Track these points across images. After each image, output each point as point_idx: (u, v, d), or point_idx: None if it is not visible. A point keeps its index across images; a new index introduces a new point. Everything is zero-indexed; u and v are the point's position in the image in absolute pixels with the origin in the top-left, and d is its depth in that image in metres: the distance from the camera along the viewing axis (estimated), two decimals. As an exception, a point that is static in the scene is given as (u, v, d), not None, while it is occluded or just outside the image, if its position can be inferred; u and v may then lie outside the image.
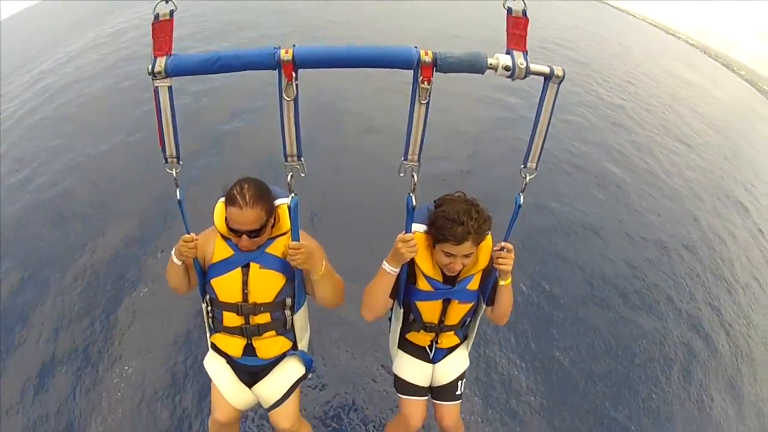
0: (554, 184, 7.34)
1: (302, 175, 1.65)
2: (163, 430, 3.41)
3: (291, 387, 2.28)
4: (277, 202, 2.02)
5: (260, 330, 2.12)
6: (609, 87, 13.86)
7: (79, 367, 3.84)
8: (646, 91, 15.00)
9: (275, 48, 1.47)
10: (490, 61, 1.50)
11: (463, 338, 2.40)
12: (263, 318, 2.09)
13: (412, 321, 2.21)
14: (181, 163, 1.73)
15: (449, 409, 2.43)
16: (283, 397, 2.26)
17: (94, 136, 7.62)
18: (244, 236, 1.90)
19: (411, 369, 2.36)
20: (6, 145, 7.87)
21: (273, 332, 2.16)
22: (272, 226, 2.00)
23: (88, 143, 7.38)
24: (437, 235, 1.87)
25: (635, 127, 11.13)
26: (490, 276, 2.06)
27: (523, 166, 1.71)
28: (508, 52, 1.52)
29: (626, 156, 9.38)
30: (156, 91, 1.57)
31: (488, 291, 2.10)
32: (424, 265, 2.01)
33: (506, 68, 1.51)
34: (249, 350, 2.18)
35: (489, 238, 2.00)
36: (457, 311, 2.14)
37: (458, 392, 2.42)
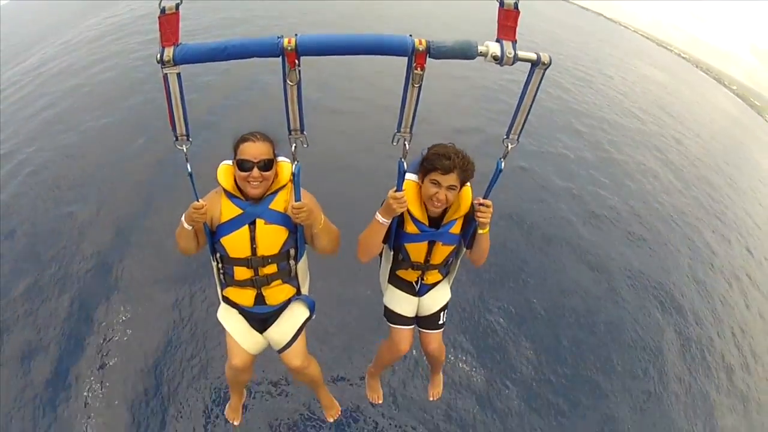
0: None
1: (305, 146, 1.83)
2: (186, 376, 3.81)
3: (299, 329, 2.50)
4: (277, 159, 2.18)
5: (268, 279, 2.32)
6: (603, 96, 14.18)
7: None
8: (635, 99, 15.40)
9: (279, 37, 1.58)
10: (480, 48, 1.61)
11: (446, 274, 2.65)
12: (271, 269, 2.29)
13: (401, 260, 2.45)
14: (190, 140, 1.84)
15: (433, 336, 2.75)
16: (292, 338, 2.48)
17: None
18: (255, 169, 2.06)
19: (400, 301, 2.63)
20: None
21: (279, 281, 2.36)
22: (275, 174, 2.17)
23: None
24: (428, 166, 2.13)
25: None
26: (470, 223, 2.30)
27: (506, 136, 1.92)
28: (498, 41, 1.63)
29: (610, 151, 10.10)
30: (165, 77, 1.67)
31: (468, 236, 2.35)
32: (415, 209, 2.24)
33: (495, 56, 1.61)
34: (259, 299, 2.38)
35: (469, 188, 2.26)
36: (441, 252, 2.39)
37: (441, 321, 2.72)
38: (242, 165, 2.07)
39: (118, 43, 12.12)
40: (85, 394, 3.80)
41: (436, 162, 2.09)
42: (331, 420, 3.11)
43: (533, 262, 6.10)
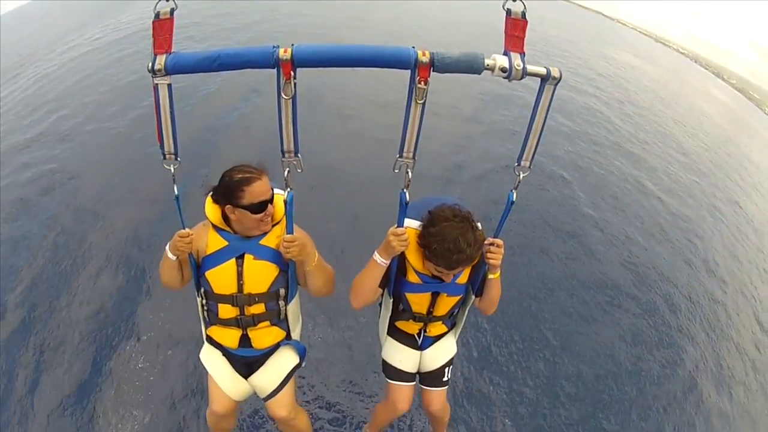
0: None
1: (299, 170, 1.69)
2: (163, 423, 3.46)
3: (286, 376, 2.33)
4: None
5: (255, 320, 2.16)
6: (602, 97, 14.09)
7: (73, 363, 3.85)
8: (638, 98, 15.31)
9: (274, 47, 1.48)
10: (487, 62, 1.51)
11: (451, 326, 2.45)
12: (258, 308, 2.13)
13: (401, 310, 2.26)
14: (179, 159, 1.74)
15: (436, 395, 2.51)
16: (279, 386, 2.32)
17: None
18: (269, 206, 1.96)
19: (399, 355, 2.43)
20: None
21: (267, 322, 2.20)
22: None
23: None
24: (430, 257, 1.90)
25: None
26: (479, 269, 2.10)
27: (516, 164, 1.75)
28: (505, 53, 1.54)
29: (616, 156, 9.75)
30: (156, 88, 1.59)
31: (477, 283, 2.15)
32: (414, 260, 2.05)
33: (503, 69, 1.52)
34: (244, 341, 2.22)
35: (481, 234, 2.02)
36: (446, 303, 2.19)
37: (445, 378, 2.49)
38: (258, 207, 1.92)
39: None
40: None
41: (441, 261, 1.86)
42: None
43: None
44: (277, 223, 2.07)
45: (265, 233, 2.06)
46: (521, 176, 1.76)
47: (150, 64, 1.56)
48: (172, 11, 1.55)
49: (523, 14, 1.51)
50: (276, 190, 2.06)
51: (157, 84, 1.58)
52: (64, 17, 18.63)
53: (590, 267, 6.02)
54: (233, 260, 2.04)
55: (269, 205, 1.95)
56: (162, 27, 1.55)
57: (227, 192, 1.92)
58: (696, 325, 5.72)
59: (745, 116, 22.83)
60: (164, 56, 1.55)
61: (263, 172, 1.95)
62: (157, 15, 1.53)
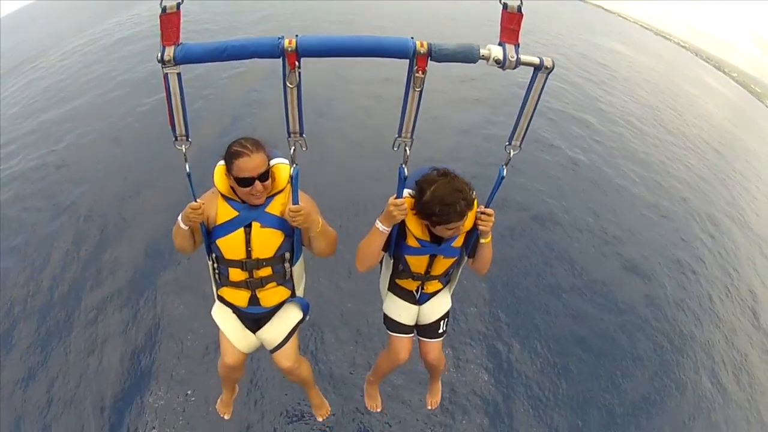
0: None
1: (304, 149, 1.82)
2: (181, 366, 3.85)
3: (291, 330, 2.50)
4: (273, 161, 2.14)
5: (263, 282, 2.31)
6: (603, 86, 14.13)
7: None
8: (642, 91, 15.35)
9: (279, 38, 1.56)
10: (482, 51, 1.59)
11: (446, 283, 2.62)
12: (265, 271, 2.28)
13: (401, 270, 2.41)
14: (190, 140, 1.84)
15: (433, 346, 2.71)
16: (284, 340, 2.49)
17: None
18: (257, 182, 2.02)
19: (399, 309, 2.60)
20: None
21: (274, 283, 2.36)
22: (272, 180, 2.12)
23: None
24: (438, 220, 2.01)
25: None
26: (472, 234, 2.24)
27: (508, 143, 1.89)
28: (500, 44, 1.61)
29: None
30: (166, 77, 1.66)
31: (470, 246, 2.29)
32: (413, 227, 2.19)
33: (497, 60, 1.60)
34: (253, 300, 2.38)
35: (475, 202, 2.13)
36: (442, 264, 2.35)
37: (441, 330, 2.68)
38: (242, 182, 2.02)
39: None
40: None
41: (441, 218, 1.97)
42: (321, 419, 3.15)
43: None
44: (281, 191, 2.16)
45: (271, 199, 2.15)
46: (512, 153, 1.90)
47: (159, 55, 1.63)
48: (178, 5, 1.61)
49: (519, 8, 1.58)
50: (280, 160, 2.16)
51: (167, 73, 1.65)
52: (69, 17, 18.62)
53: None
54: (242, 229, 2.16)
55: (256, 181, 2.02)
56: (170, 20, 1.61)
57: (225, 161, 2.05)
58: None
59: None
60: (173, 47, 1.62)
61: (257, 150, 2.00)
62: (164, 9, 1.59)
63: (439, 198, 1.96)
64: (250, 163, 1.98)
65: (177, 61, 1.63)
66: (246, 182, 2.02)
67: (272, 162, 2.13)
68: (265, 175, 2.05)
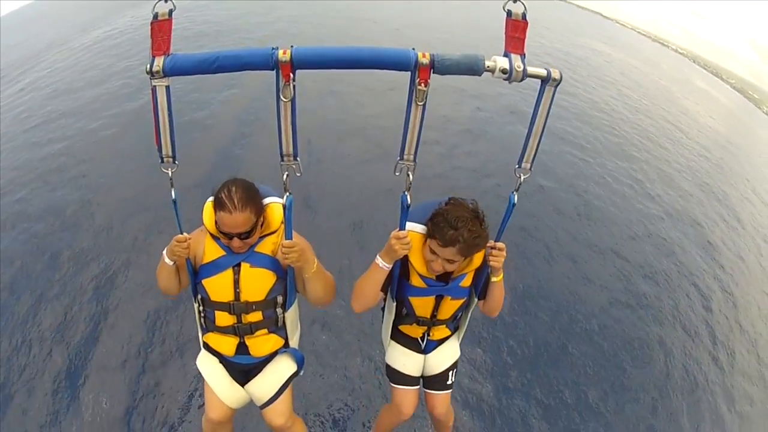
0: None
1: (298, 174, 1.68)
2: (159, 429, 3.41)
3: (283, 384, 2.29)
4: (266, 201, 2.03)
5: (252, 328, 2.13)
6: (604, 94, 14.13)
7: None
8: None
9: (273, 48, 1.47)
10: (487, 63, 1.50)
11: (454, 330, 2.45)
12: (255, 316, 2.11)
13: (405, 314, 2.25)
14: (177, 162, 1.72)
15: (440, 398, 2.50)
16: (275, 394, 2.27)
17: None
18: (236, 238, 1.91)
19: (403, 359, 2.41)
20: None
21: (265, 330, 2.18)
22: (261, 225, 2.01)
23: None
24: (431, 229, 1.90)
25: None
26: (482, 272, 2.09)
27: (517, 166, 1.73)
28: (505, 55, 1.53)
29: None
30: (154, 90, 1.57)
31: (480, 286, 2.13)
32: (418, 263, 2.03)
33: (503, 71, 1.51)
34: (242, 349, 2.19)
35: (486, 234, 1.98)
36: (450, 306, 2.18)
37: (449, 382, 2.48)
38: (222, 233, 1.92)
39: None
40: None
41: (438, 231, 1.84)
42: None
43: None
44: (274, 231, 2.04)
45: (261, 239, 2.03)
46: (522, 178, 1.74)
47: (148, 66, 1.54)
48: (170, 12, 1.53)
49: (524, 15, 1.50)
50: (273, 199, 2.05)
51: (155, 86, 1.57)
52: (71, 16, 18.57)
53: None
54: (230, 269, 2.02)
55: (235, 238, 1.91)
56: (161, 28, 1.53)
57: (213, 202, 1.93)
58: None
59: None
60: (162, 58, 1.54)
61: (243, 208, 1.86)
62: (155, 16, 1.51)
63: (448, 213, 1.85)
64: (231, 221, 1.85)
65: (166, 72, 1.54)
66: (225, 235, 1.92)
67: (265, 201, 2.01)
68: (248, 234, 1.92)
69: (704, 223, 8.36)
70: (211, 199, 1.98)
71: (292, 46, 1.47)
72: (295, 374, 2.34)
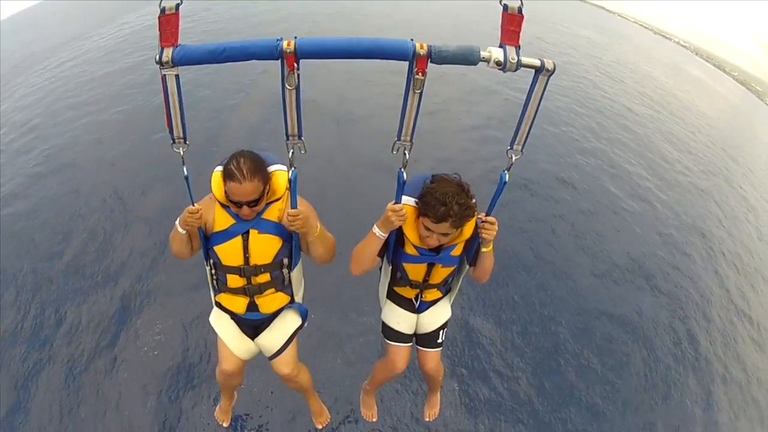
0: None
1: (302, 152, 1.81)
2: (174, 382, 3.78)
3: (290, 337, 2.48)
4: (271, 169, 2.13)
5: (261, 288, 2.30)
6: (605, 85, 14.11)
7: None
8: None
9: (278, 39, 1.56)
10: (482, 54, 1.58)
11: (446, 292, 2.58)
12: (263, 278, 2.27)
13: (399, 278, 2.38)
14: (187, 143, 1.83)
15: (431, 355, 2.67)
16: (283, 346, 2.47)
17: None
18: (245, 206, 2.03)
19: (397, 318, 2.56)
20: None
21: (273, 289, 2.34)
22: (267, 193, 2.11)
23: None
24: (422, 208, 2.01)
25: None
26: (473, 243, 2.21)
27: (509, 147, 1.84)
28: (501, 47, 1.60)
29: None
30: (164, 78, 1.65)
31: (471, 254, 2.26)
32: (412, 235, 2.16)
33: (498, 62, 1.58)
34: (252, 307, 2.37)
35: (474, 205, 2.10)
36: (441, 273, 2.33)
37: (439, 340, 2.64)
38: (232, 201, 2.05)
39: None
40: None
41: (430, 209, 1.94)
42: (320, 426, 3.11)
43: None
44: (279, 198, 2.15)
45: (267, 206, 2.14)
46: (513, 158, 1.86)
47: (157, 56, 1.62)
48: (177, 6, 1.61)
49: (520, 10, 1.57)
50: (278, 166, 2.15)
51: (165, 75, 1.65)
52: (74, 17, 18.59)
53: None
54: (239, 236, 2.15)
55: (244, 206, 2.03)
56: (168, 21, 1.60)
57: (222, 171, 2.03)
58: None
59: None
60: (171, 49, 1.62)
61: (252, 177, 1.97)
62: (162, 10, 1.58)
63: (436, 190, 1.94)
64: (240, 191, 1.98)
65: (175, 62, 1.62)
66: (235, 203, 2.04)
67: (270, 169, 2.11)
68: (256, 201, 2.04)
69: (706, 214, 8.46)
70: (218, 169, 2.09)
71: (295, 37, 1.56)
72: (300, 327, 2.52)
